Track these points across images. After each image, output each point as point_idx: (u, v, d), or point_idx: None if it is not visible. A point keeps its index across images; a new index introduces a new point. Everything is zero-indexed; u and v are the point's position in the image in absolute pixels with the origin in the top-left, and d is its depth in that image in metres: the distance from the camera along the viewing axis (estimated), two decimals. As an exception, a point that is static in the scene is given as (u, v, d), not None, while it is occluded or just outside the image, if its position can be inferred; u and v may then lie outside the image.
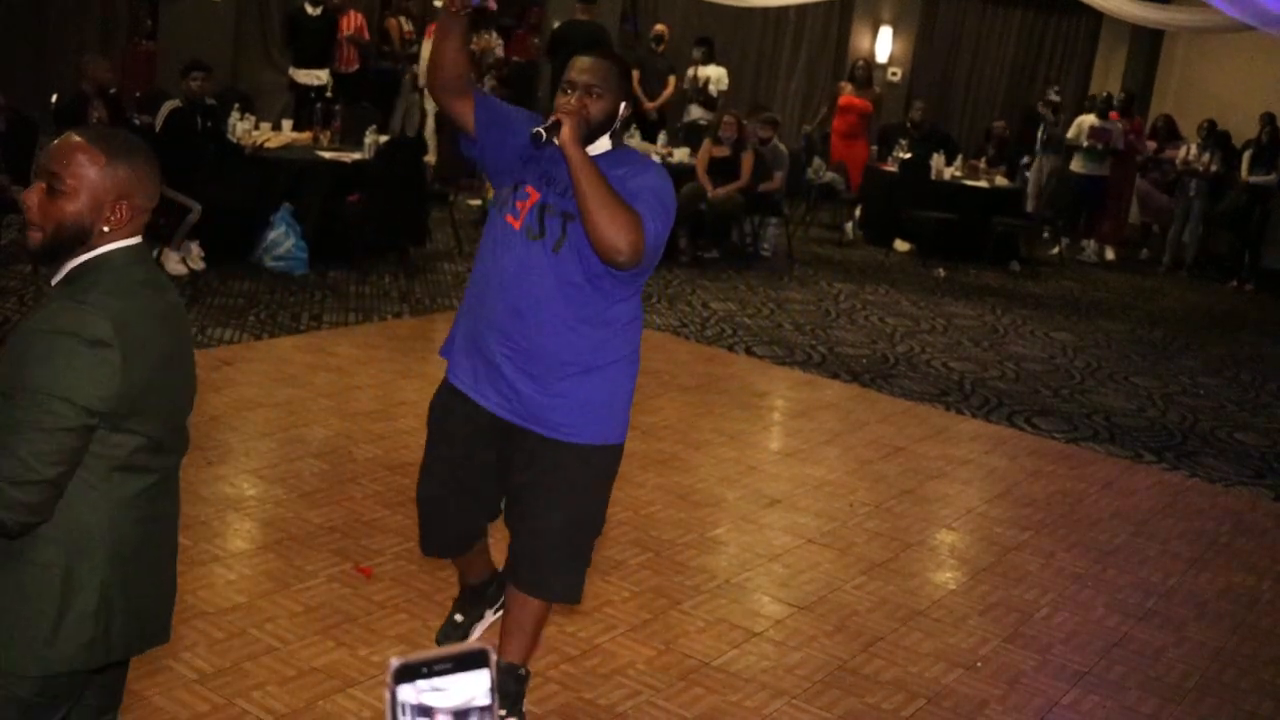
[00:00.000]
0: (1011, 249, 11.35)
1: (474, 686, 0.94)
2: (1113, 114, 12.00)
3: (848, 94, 12.18)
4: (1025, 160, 12.72)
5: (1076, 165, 11.95)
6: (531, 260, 2.85)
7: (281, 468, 4.71)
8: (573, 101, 2.81)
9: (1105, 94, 12.37)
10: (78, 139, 2.13)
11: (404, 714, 0.92)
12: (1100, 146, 11.80)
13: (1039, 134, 12.36)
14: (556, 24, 11.88)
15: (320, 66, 11.08)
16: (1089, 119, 11.98)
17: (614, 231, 2.66)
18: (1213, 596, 4.57)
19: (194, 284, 7.19)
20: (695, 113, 12.12)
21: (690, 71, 12.43)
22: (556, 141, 2.69)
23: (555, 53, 11.30)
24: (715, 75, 12.25)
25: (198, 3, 12.10)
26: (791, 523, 4.76)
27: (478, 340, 2.93)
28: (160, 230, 7.68)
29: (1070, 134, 12.09)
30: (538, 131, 2.70)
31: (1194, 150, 11.81)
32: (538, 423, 2.91)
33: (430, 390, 3.20)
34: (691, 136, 11.32)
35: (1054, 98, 12.50)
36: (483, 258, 2.96)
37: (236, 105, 8.61)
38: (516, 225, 2.87)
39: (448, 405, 3.05)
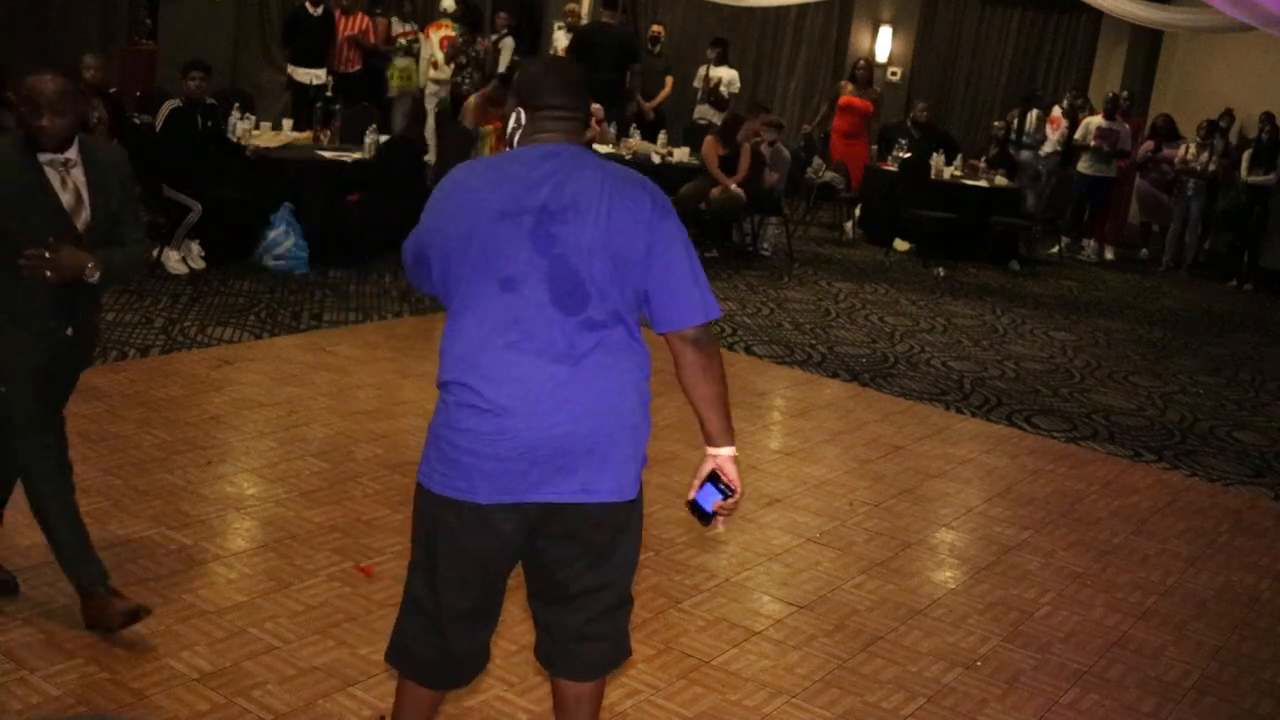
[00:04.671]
0: (1011, 248, 11.36)
1: None
2: (1116, 114, 12.03)
3: (848, 94, 12.19)
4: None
5: (1083, 166, 11.99)
6: None
7: (282, 467, 4.71)
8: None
9: (1110, 95, 12.39)
10: None
11: None
12: (1107, 148, 11.82)
13: (1014, 129, 12.49)
14: (583, 25, 11.85)
15: (319, 65, 11.07)
16: (1096, 120, 12.00)
17: None
18: (1212, 596, 4.57)
19: (194, 283, 7.20)
20: (706, 112, 12.10)
21: (702, 71, 12.44)
22: None
23: (579, 55, 11.24)
24: (727, 77, 12.26)
25: (198, 3, 12.10)
26: (791, 522, 4.76)
27: None
28: (161, 229, 7.70)
29: (1077, 135, 12.11)
30: None
31: (1193, 150, 11.82)
32: None
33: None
34: (691, 136, 11.32)
35: (1066, 105, 12.62)
36: None
37: (236, 105, 8.63)
38: None
39: None
